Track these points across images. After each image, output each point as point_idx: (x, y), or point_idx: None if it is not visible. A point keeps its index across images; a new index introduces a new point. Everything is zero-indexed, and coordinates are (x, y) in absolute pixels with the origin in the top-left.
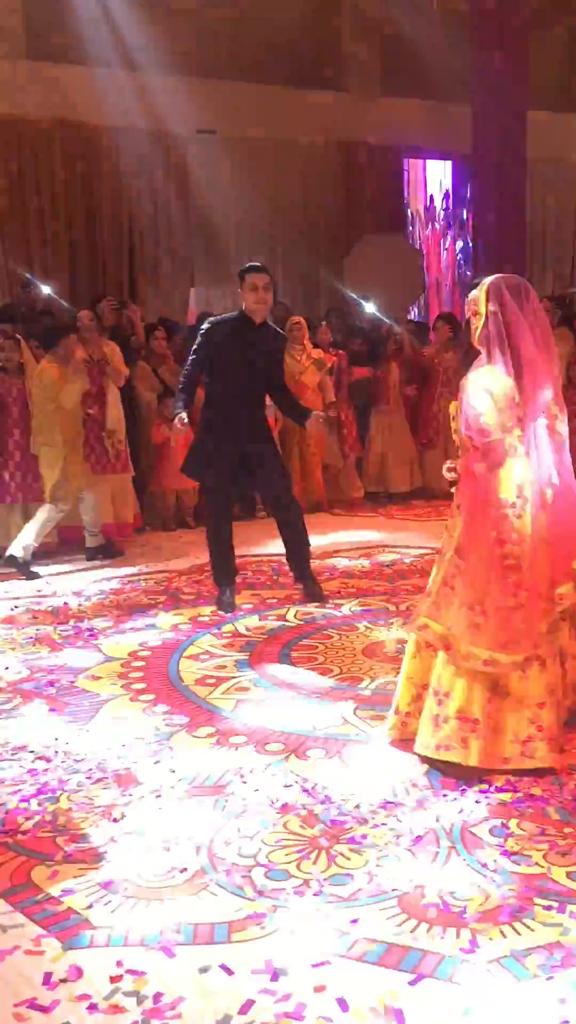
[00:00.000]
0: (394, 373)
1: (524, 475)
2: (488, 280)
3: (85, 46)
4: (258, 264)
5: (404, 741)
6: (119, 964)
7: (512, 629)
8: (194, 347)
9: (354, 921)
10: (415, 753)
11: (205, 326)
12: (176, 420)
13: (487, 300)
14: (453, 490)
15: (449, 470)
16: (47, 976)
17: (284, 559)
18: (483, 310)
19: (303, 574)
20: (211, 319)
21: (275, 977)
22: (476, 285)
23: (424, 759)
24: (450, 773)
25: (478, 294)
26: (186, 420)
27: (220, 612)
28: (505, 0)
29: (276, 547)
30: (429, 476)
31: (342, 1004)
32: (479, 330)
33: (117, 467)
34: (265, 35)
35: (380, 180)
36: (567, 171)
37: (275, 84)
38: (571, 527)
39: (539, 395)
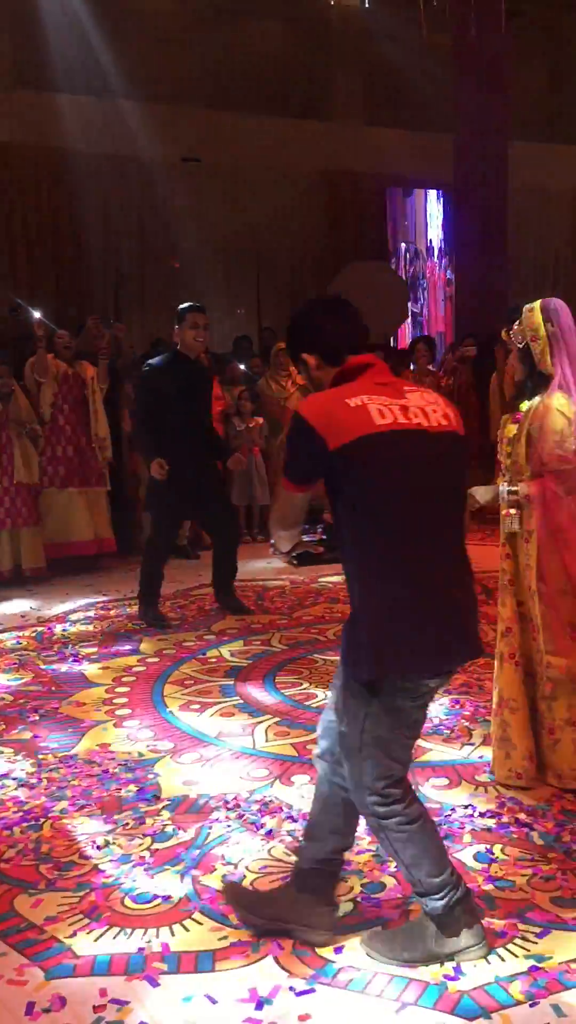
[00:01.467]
0: None
1: None
2: (537, 303)
3: (73, 74)
4: (199, 304)
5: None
6: (103, 993)
7: None
8: (138, 397)
9: (339, 949)
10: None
11: (145, 373)
12: (155, 466)
13: (545, 321)
14: (510, 512)
15: (511, 493)
16: (30, 1006)
17: (212, 582)
18: (542, 332)
19: (230, 590)
20: (147, 364)
21: (260, 1006)
22: (517, 312)
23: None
24: None
25: (532, 316)
26: (163, 464)
27: (157, 629)
28: (487, 32)
29: (261, 573)
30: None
31: None
32: (544, 352)
33: (94, 480)
34: (250, 64)
35: (364, 209)
36: (548, 200)
37: (260, 113)
38: None
39: None
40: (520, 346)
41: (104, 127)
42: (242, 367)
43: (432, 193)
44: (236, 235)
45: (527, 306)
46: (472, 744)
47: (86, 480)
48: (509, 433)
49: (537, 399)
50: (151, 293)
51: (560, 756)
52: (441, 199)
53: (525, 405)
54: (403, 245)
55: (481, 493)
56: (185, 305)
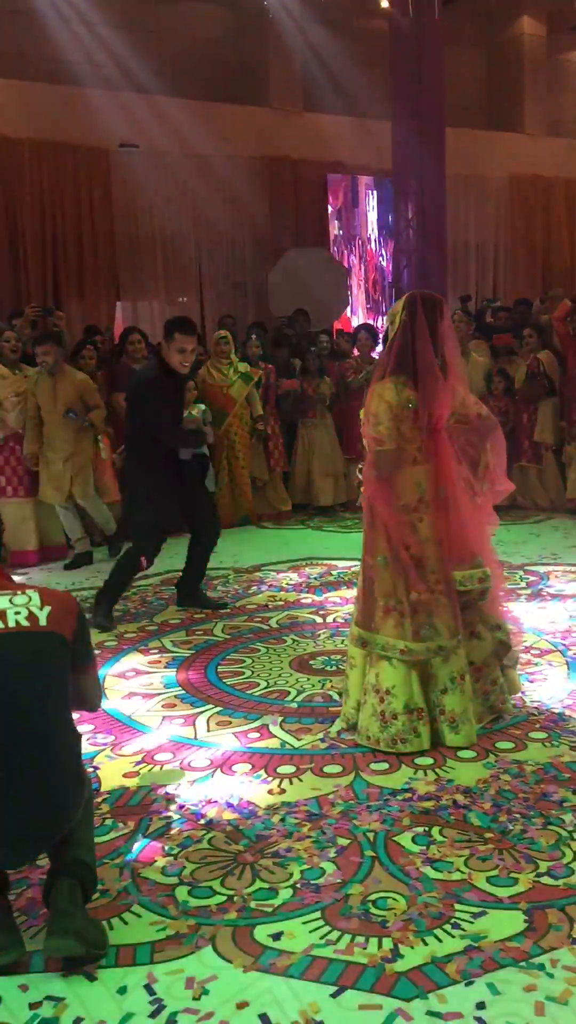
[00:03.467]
0: (323, 385)
1: (422, 481)
2: (408, 293)
3: (5, 59)
4: (191, 324)
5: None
6: (38, 990)
7: (428, 621)
8: (154, 407)
9: (276, 936)
10: (363, 745)
11: (145, 389)
12: (202, 436)
13: (403, 310)
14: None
15: (356, 476)
16: None
17: (180, 583)
18: (397, 321)
19: (197, 588)
20: (145, 380)
21: (198, 996)
22: (466, 299)
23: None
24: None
25: (397, 305)
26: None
27: (100, 629)
28: (422, 19)
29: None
30: (355, 489)
31: (264, 1020)
32: (392, 340)
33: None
34: (188, 50)
35: (305, 195)
36: (486, 187)
37: (198, 98)
38: (464, 526)
39: (439, 406)
40: (385, 330)
41: (40, 112)
42: None
43: (367, 180)
44: (176, 222)
45: (405, 294)
46: None
47: (30, 489)
48: (361, 416)
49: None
50: (89, 281)
51: (363, 716)
52: (375, 188)
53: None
54: (337, 233)
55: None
56: (175, 321)
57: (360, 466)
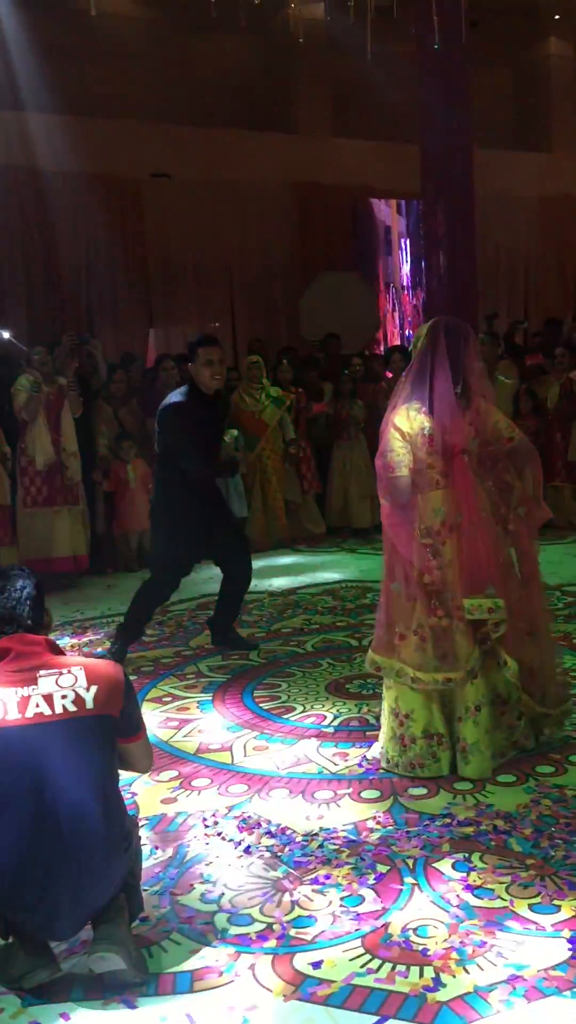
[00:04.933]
0: (355, 408)
1: (441, 507)
2: (434, 319)
3: (41, 92)
4: (211, 336)
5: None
6: (79, 1019)
7: (444, 649)
8: (180, 434)
9: (317, 964)
10: (384, 768)
11: (173, 412)
12: (227, 468)
13: (425, 335)
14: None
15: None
16: None
17: (212, 620)
18: (418, 346)
19: (229, 628)
20: (172, 403)
21: None
22: (493, 317)
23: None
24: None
25: (421, 329)
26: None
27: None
28: (450, 40)
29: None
30: None
31: None
32: (411, 365)
33: (70, 498)
34: (217, 78)
35: (334, 220)
36: (515, 206)
37: (227, 126)
38: (478, 555)
39: (453, 434)
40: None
41: (74, 144)
42: None
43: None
44: (207, 249)
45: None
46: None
47: (65, 499)
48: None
49: None
50: (124, 309)
51: (383, 739)
52: (407, 236)
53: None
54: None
55: None
56: (195, 339)
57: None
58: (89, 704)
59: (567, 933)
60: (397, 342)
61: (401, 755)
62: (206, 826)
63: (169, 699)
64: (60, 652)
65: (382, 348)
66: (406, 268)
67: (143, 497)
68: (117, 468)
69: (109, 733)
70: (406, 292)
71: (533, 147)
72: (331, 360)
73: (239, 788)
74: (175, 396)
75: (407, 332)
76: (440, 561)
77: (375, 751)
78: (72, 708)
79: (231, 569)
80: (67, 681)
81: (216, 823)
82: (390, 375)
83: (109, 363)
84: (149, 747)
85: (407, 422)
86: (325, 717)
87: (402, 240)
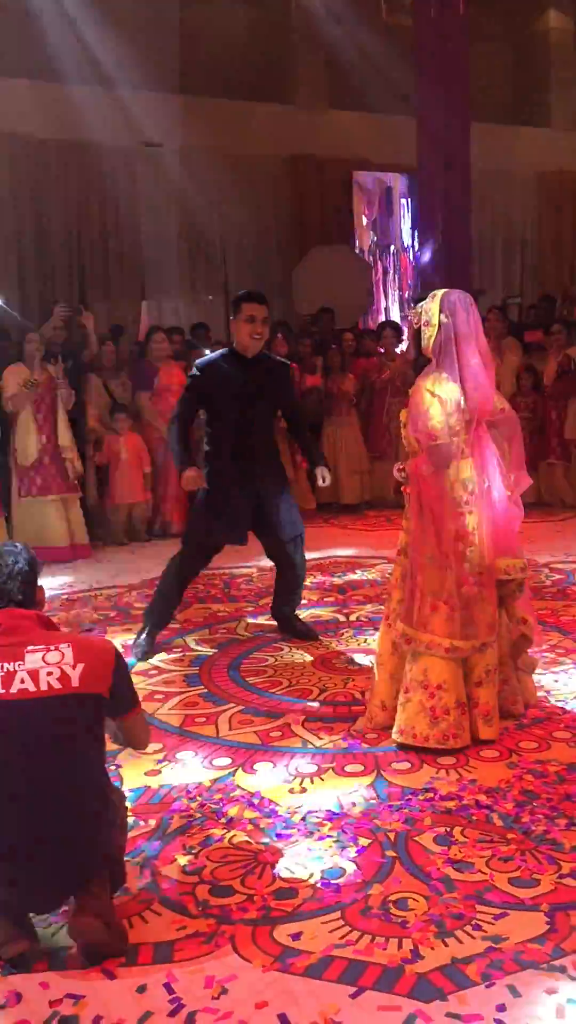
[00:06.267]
0: (347, 383)
1: (470, 475)
2: (440, 292)
3: (31, 60)
4: (257, 293)
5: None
6: (58, 988)
7: (471, 617)
8: (181, 397)
9: (296, 936)
10: (407, 744)
11: (193, 372)
12: (186, 478)
13: (440, 311)
14: (404, 491)
15: (399, 471)
16: None
17: (272, 611)
18: (435, 320)
19: (290, 616)
20: (198, 363)
21: (217, 995)
22: (424, 297)
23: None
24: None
25: (430, 305)
26: (198, 473)
27: (132, 652)
28: (447, 13)
29: (226, 560)
30: (380, 487)
31: (283, 1021)
32: (431, 339)
33: (70, 487)
34: (212, 48)
35: (330, 193)
36: (512, 182)
37: (222, 97)
38: (504, 523)
39: (481, 401)
40: (415, 328)
41: (64, 113)
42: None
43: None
44: (201, 220)
45: (432, 292)
46: None
47: (60, 488)
48: (403, 417)
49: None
50: (115, 281)
51: (406, 713)
52: (409, 196)
53: (412, 389)
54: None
55: (395, 472)
56: (241, 293)
57: (399, 465)
58: (75, 682)
59: (545, 907)
60: (395, 305)
61: (432, 727)
62: (189, 799)
63: (155, 672)
64: (53, 628)
65: (380, 319)
66: (406, 227)
67: (136, 470)
68: (110, 440)
69: (95, 712)
70: (405, 253)
71: (531, 122)
72: (324, 334)
73: (223, 761)
74: (203, 359)
75: (405, 294)
76: (468, 530)
77: (359, 725)
78: (57, 685)
79: (282, 564)
80: (54, 658)
81: (199, 795)
82: (382, 350)
83: (99, 335)
84: (145, 723)
85: (442, 389)
86: (311, 692)
87: (403, 200)
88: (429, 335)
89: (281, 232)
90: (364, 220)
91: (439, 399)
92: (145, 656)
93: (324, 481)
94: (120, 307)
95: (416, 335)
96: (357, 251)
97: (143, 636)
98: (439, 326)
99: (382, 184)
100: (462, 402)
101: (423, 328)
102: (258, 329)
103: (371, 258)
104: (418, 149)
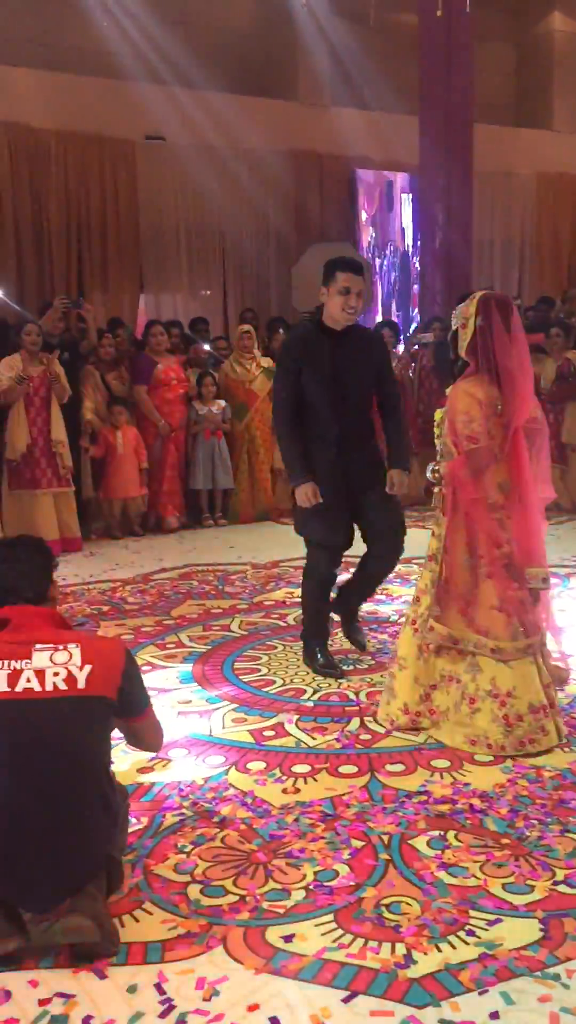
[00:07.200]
0: None
1: (505, 480)
2: (478, 294)
3: (33, 49)
4: (355, 261)
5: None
6: (48, 986)
7: (522, 618)
8: (276, 379)
9: (289, 938)
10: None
11: (286, 343)
12: (302, 494)
13: (477, 314)
14: (436, 491)
15: (433, 473)
16: None
17: (339, 601)
18: (472, 323)
19: (354, 616)
20: (291, 330)
21: (208, 997)
22: (464, 298)
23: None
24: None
25: (468, 307)
26: (315, 489)
27: (327, 677)
28: (451, 13)
29: (223, 556)
30: (422, 491)
31: (274, 1023)
32: (467, 341)
33: (62, 482)
34: (214, 42)
35: (330, 189)
36: (513, 183)
37: (224, 91)
38: (530, 528)
39: (520, 405)
40: (453, 330)
41: (66, 103)
42: (207, 347)
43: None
44: (200, 214)
45: (471, 295)
46: (427, 730)
47: (51, 483)
48: (437, 417)
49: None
50: (114, 273)
51: (477, 725)
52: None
53: (450, 390)
54: (372, 234)
55: (428, 473)
56: (335, 259)
57: (433, 465)
58: (81, 684)
59: (540, 913)
60: (392, 300)
61: (507, 735)
62: (182, 797)
63: (149, 668)
64: (65, 626)
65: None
66: (408, 223)
67: (132, 464)
68: (106, 433)
69: (101, 714)
70: (404, 250)
71: (533, 124)
72: None
73: (216, 760)
74: (290, 336)
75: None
76: (508, 535)
77: (354, 726)
78: (63, 687)
79: (377, 548)
80: (61, 658)
81: (192, 794)
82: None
83: (98, 329)
84: (158, 726)
85: (485, 393)
86: (305, 691)
87: (403, 195)
88: (464, 337)
89: (280, 228)
90: (364, 216)
91: (479, 401)
92: (337, 670)
93: (393, 488)
94: (118, 301)
95: (454, 337)
96: (358, 249)
97: (319, 659)
98: (475, 329)
99: (383, 178)
100: (499, 406)
101: (459, 330)
102: (352, 302)
103: (370, 256)
104: (420, 149)
